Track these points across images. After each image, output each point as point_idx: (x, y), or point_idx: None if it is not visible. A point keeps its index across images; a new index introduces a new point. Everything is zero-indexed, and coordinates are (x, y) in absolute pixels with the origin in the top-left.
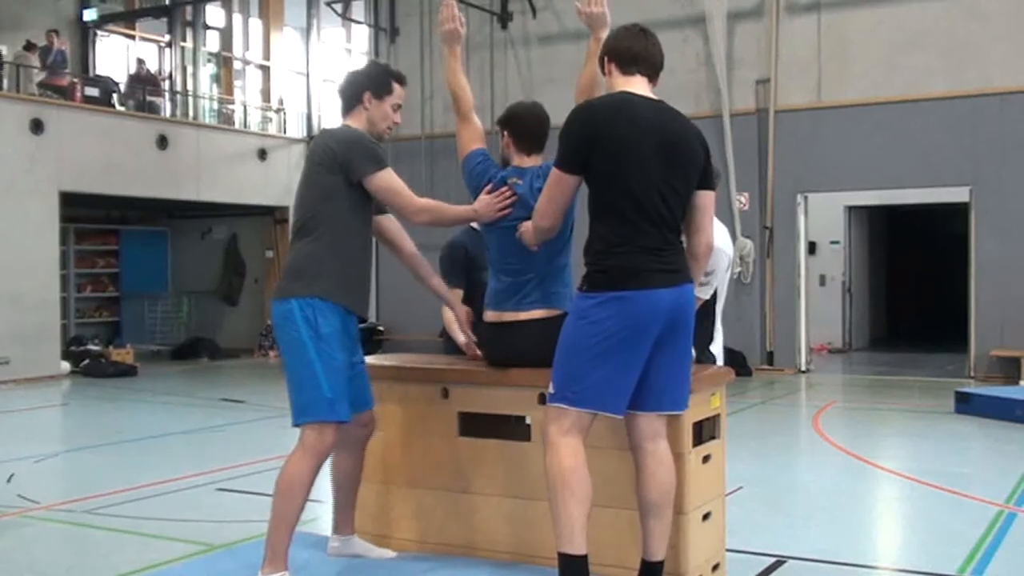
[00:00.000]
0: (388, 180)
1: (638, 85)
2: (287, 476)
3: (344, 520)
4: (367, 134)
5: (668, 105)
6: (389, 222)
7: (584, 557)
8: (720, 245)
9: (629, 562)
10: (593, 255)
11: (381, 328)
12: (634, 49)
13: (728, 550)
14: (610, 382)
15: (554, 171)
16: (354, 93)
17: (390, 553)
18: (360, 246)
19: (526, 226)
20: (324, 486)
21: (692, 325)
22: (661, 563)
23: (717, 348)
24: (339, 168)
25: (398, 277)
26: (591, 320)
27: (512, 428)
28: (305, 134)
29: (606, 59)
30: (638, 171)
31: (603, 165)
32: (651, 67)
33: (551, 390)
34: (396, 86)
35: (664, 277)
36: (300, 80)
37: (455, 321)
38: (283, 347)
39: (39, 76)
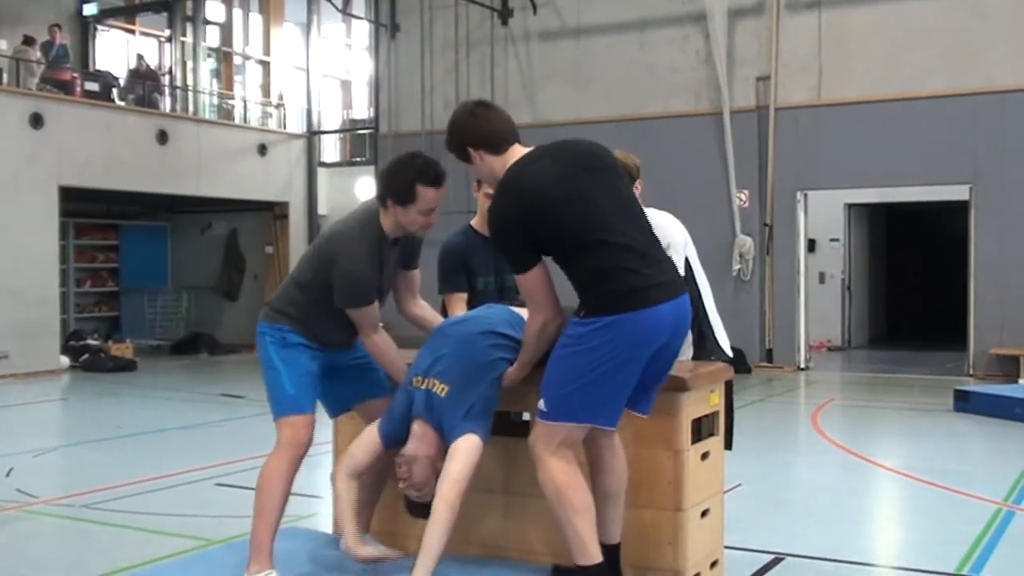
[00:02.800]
0: (356, 316)
1: (517, 152)
2: (265, 473)
3: (360, 518)
4: (363, 269)
5: (548, 143)
6: (420, 309)
7: (602, 563)
8: (661, 222)
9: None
10: (585, 289)
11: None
12: (494, 128)
13: (726, 547)
14: (608, 399)
15: (521, 278)
16: (381, 195)
17: (398, 553)
18: (339, 315)
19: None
20: (324, 482)
21: (688, 332)
22: (619, 544)
23: (723, 338)
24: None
25: None
26: (588, 347)
27: (511, 425)
28: (305, 129)
29: (471, 150)
30: (583, 203)
31: (551, 223)
32: (514, 133)
33: (543, 407)
34: (424, 192)
35: (661, 291)
36: (300, 75)
37: None
38: (261, 365)
39: (40, 71)
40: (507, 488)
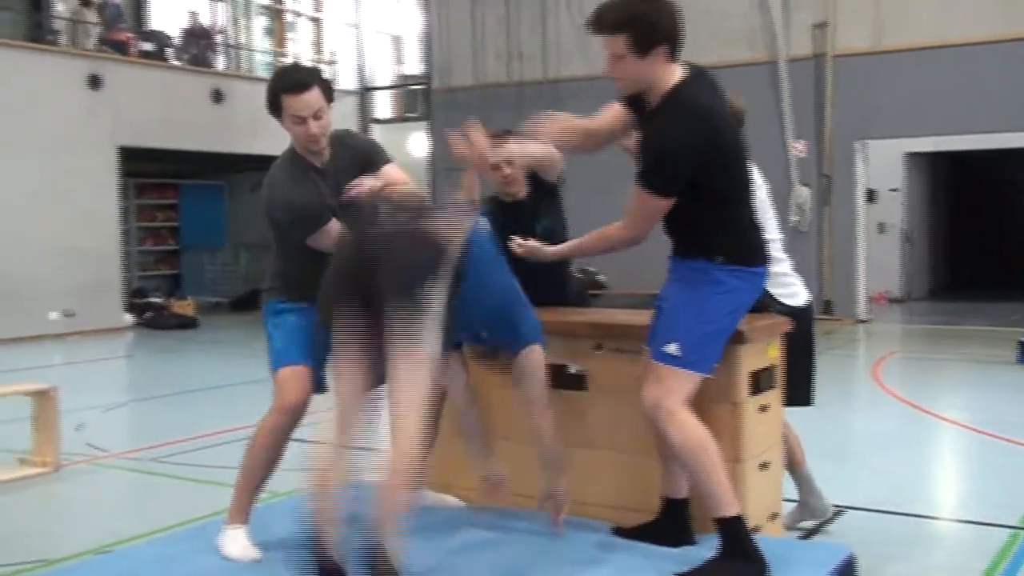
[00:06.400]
0: (320, 244)
1: (678, 70)
2: (253, 436)
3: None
4: (288, 190)
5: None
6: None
7: (740, 515)
8: None
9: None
10: (725, 234)
11: None
12: (682, 35)
13: (785, 500)
14: (722, 348)
15: (650, 197)
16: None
17: (456, 502)
18: (311, 256)
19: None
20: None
21: None
22: (687, 499)
23: (780, 290)
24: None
25: None
26: (728, 289)
27: (566, 378)
28: (358, 86)
29: (657, 43)
30: (743, 154)
31: (724, 167)
32: None
33: (675, 352)
34: (285, 99)
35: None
36: (351, 32)
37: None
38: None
39: (96, 32)
40: (565, 441)
